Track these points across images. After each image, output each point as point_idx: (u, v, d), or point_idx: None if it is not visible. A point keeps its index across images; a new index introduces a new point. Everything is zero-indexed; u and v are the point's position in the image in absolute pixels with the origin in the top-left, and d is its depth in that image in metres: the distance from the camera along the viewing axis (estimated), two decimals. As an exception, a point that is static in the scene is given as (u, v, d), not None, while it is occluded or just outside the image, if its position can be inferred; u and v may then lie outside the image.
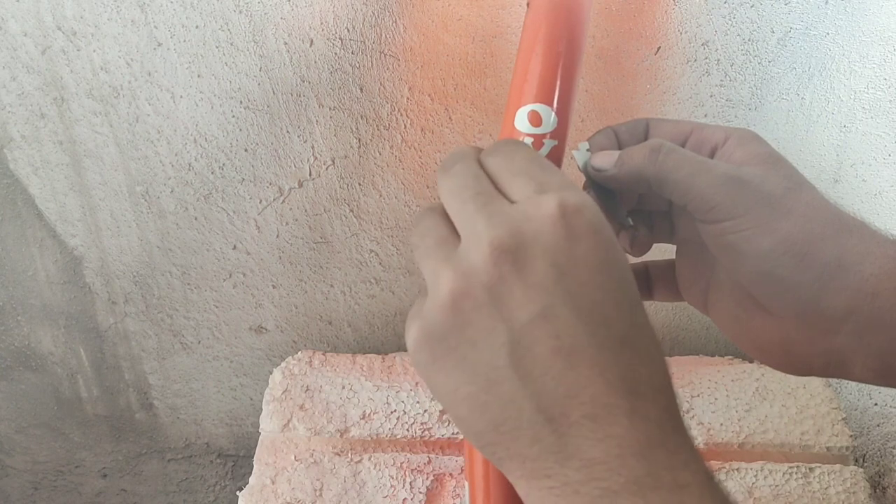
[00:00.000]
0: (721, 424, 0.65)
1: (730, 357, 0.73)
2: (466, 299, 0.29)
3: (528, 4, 0.44)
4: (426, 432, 0.65)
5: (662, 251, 0.44)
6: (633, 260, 0.43)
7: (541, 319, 0.28)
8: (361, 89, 0.61)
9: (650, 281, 0.44)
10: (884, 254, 0.34)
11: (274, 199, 0.67)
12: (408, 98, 0.61)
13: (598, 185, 0.39)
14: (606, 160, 0.38)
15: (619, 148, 0.39)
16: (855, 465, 0.64)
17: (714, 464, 0.63)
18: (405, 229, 0.69)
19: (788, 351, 0.36)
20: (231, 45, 0.58)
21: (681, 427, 0.29)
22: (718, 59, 0.59)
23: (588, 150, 0.39)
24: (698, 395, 0.67)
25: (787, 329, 0.36)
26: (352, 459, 0.63)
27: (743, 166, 0.36)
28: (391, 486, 0.62)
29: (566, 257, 0.29)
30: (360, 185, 0.66)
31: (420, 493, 0.61)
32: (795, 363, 0.37)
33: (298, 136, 0.63)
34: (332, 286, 0.73)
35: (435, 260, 0.31)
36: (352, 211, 0.67)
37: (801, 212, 0.35)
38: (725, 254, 0.36)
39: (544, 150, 0.41)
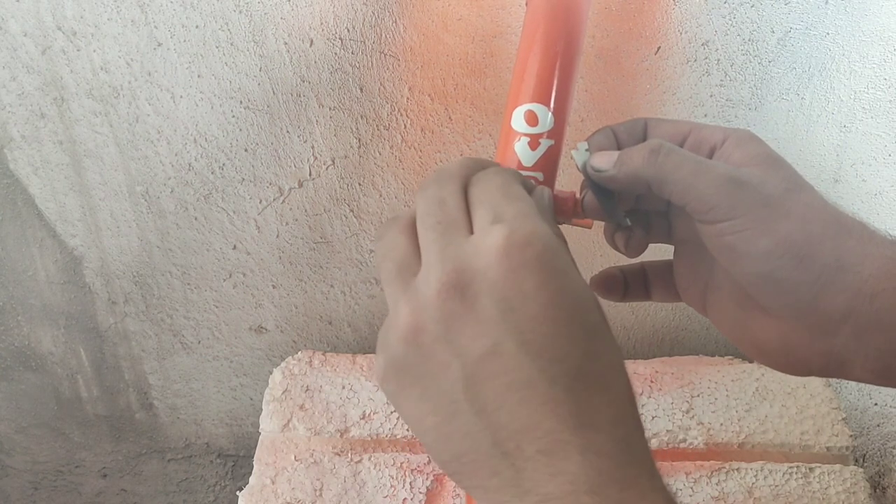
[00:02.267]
0: (721, 424, 0.65)
1: (730, 357, 0.73)
2: (422, 333, 0.29)
3: (526, 4, 0.44)
4: (426, 432, 0.65)
5: (664, 251, 0.44)
6: (630, 260, 0.43)
7: (492, 355, 0.28)
8: (361, 89, 0.61)
9: (648, 282, 0.44)
10: (882, 255, 0.34)
11: (274, 199, 0.67)
12: (408, 98, 0.61)
13: (597, 185, 0.39)
14: (606, 160, 0.38)
15: (618, 148, 0.39)
16: (855, 465, 0.64)
17: (714, 464, 0.63)
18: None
19: (788, 352, 0.36)
20: (231, 45, 0.58)
21: (638, 457, 0.29)
22: (718, 59, 0.59)
23: (587, 149, 0.39)
24: (698, 395, 0.67)
25: (785, 330, 0.36)
26: (352, 459, 0.63)
27: (742, 167, 0.36)
28: (391, 486, 0.62)
29: (514, 292, 0.28)
30: (360, 185, 0.66)
31: (420, 493, 0.61)
32: (795, 364, 0.37)
33: (298, 136, 0.63)
34: (332, 286, 0.73)
35: (395, 287, 0.31)
36: (352, 211, 0.67)
37: (800, 213, 0.35)
38: (724, 255, 0.36)
39: (541, 150, 0.41)
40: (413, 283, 0.30)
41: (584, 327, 0.29)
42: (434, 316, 0.29)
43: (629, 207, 0.42)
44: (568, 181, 0.65)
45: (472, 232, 0.31)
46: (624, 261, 0.43)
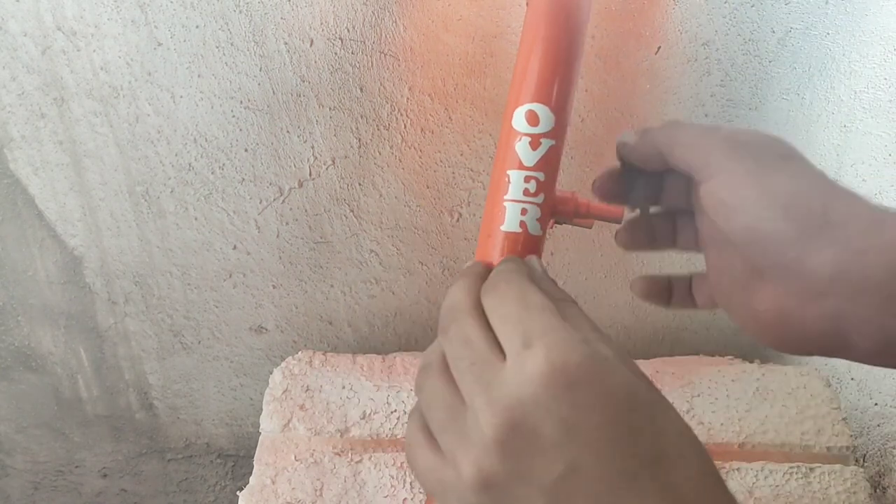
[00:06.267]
0: (721, 424, 0.65)
1: (730, 357, 0.73)
2: (493, 478, 0.30)
3: (527, 4, 0.44)
4: (426, 432, 0.65)
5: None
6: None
7: (569, 475, 0.29)
8: (361, 89, 0.60)
9: (690, 288, 0.45)
10: (870, 213, 0.34)
11: (274, 199, 0.67)
12: (408, 98, 0.61)
13: (626, 165, 0.42)
14: (630, 135, 0.41)
15: None
16: (855, 465, 0.64)
17: (714, 464, 0.63)
18: (405, 229, 0.69)
19: (784, 321, 0.37)
20: (231, 45, 0.58)
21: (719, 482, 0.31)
22: (719, 59, 0.59)
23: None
24: (698, 395, 0.67)
25: (779, 295, 0.36)
26: (352, 459, 0.63)
27: (748, 134, 0.38)
28: (391, 486, 0.62)
29: (570, 409, 0.29)
30: (360, 185, 0.66)
31: (420, 493, 0.61)
32: (793, 336, 0.37)
33: (298, 136, 0.63)
34: (332, 286, 0.73)
35: (450, 438, 0.32)
36: (352, 211, 0.67)
37: (791, 171, 0.36)
38: (719, 213, 0.37)
39: (542, 150, 0.41)
40: (466, 432, 0.31)
41: (643, 413, 0.30)
42: (499, 459, 0.30)
43: (656, 196, 0.43)
44: (568, 181, 0.65)
45: (504, 357, 0.31)
46: (645, 268, 0.45)
